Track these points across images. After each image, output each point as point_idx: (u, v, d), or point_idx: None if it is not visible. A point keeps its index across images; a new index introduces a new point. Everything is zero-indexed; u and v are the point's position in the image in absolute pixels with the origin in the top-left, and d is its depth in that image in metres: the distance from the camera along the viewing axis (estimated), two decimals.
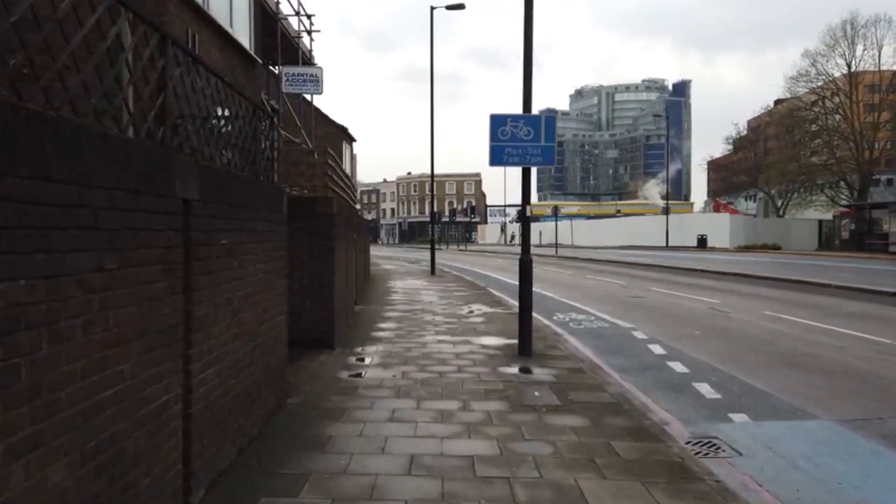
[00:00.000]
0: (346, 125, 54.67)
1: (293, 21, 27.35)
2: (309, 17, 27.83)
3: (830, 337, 17.37)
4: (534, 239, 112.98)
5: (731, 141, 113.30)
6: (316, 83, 24.32)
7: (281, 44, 24.58)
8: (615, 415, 10.12)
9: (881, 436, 9.65)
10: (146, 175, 5.38)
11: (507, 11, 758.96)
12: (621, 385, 12.42)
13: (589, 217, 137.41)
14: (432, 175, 43.21)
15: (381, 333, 17.76)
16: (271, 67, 27.48)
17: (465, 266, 53.34)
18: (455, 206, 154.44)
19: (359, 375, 12.77)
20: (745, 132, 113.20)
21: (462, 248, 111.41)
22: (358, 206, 42.59)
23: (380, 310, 22.95)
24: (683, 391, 12.23)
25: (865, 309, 23.09)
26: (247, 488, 7.14)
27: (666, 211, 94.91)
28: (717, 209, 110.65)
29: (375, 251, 77.16)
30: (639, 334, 18.09)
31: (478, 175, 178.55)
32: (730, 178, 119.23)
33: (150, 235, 5.48)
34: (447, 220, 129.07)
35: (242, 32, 19.51)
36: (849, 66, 79.82)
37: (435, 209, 46.82)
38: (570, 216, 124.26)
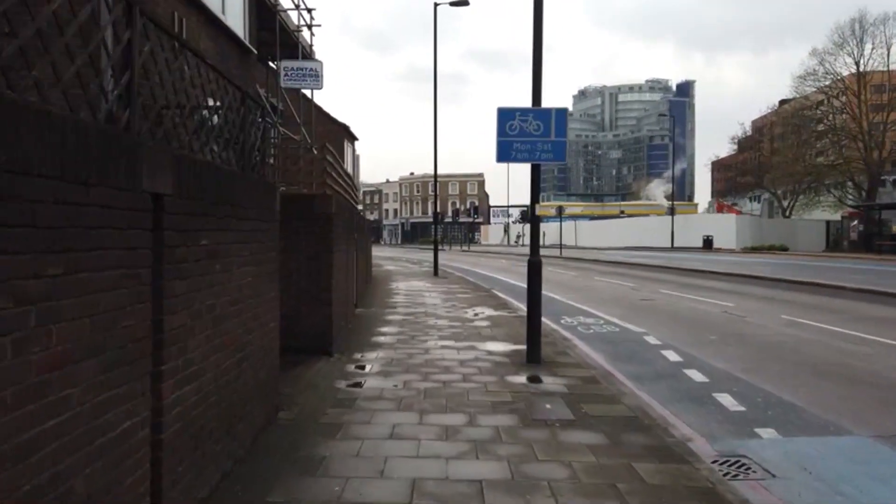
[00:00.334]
0: (347, 123, 53.96)
1: (293, 16, 26.65)
2: (309, 10, 27.04)
3: (856, 343, 16.60)
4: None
5: (736, 141, 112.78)
6: (315, 78, 23.53)
7: (280, 38, 23.80)
8: (634, 431, 9.32)
9: None
10: (102, 164, 4.58)
11: (510, 12, 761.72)
12: (638, 396, 11.63)
13: (592, 218, 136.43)
14: (435, 175, 42.46)
15: (382, 338, 16.98)
16: (271, 63, 26.74)
17: (469, 267, 52.64)
18: (458, 206, 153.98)
19: (358, 385, 11.98)
20: (750, 132, 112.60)
21: (465, 248, 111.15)
22: (360, 207, 42.02)
23: (381, 313, 22.19)
24: (704, 403, 11.43)
25: (888, 313, 22.35)
26: None
27: (671, 211, 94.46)
28: (720, 210, 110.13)
29: (378, 252, 76.82)
30: (651, 339, 17.34)
31: (481, 175, 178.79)
32: (735, 179, 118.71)
33: (108, 235, 4.68)
34: (450, 220, 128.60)
35: (236, 21, 18.63)
36: (857, 64, 79.18)
37: (438, 209, 46.09)
38: (574, 217, 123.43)
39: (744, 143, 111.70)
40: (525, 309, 17.69)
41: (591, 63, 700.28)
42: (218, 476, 7.04)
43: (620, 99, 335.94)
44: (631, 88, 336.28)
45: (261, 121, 9.69)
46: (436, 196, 45.32)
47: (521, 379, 12.53)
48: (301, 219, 14.27)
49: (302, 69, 23.49)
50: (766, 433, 9.72)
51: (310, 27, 27.22)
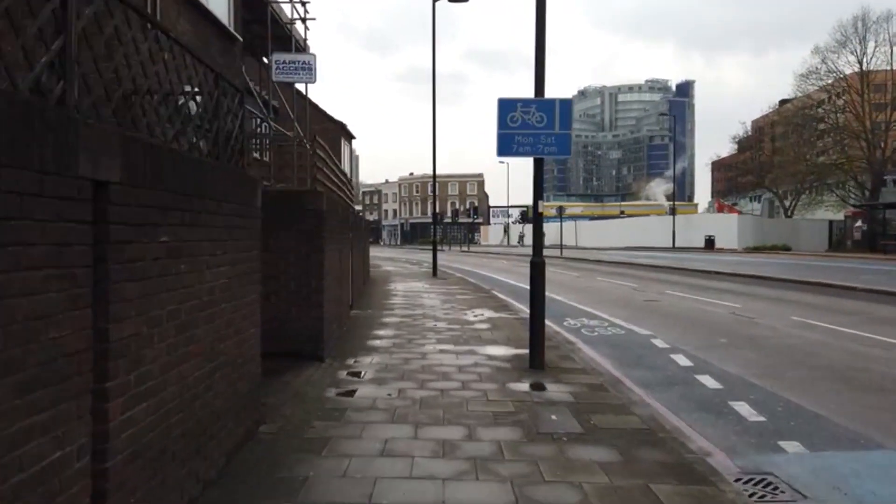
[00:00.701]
0: (344, 121, 53.30)
1: (286, 9, 25.84)
2: (303, 2, 26.22)
3: (874, 347, 15.82)
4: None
5: (737, 140, 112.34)
6: (309, 71, 22.68)
7: (272, 31, 23.03)
8: (649, 446, 8.52)
9: None
10: (18, 142, 3.77)
11: (509, 11, 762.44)
12: (649, 405, 10.82)
13: (593, 218, 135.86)
14: (434, 175, 41.89)
15: (378, 342, 16.17)
16: (265, 60, 25.94)
17: (468, 268, 51.89)
18: (458, 206, 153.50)
19: (349, 394, 11.15)
20: (750, 132, 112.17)
21: (465, 249, 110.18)
22: (359, 207, 41.41)
23: (378, 315, 21.37)
24: (720, 412, 10.65)
25: None
26: None
27: (672, 211, 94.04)
28: (720, 210, 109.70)
29: (377, 252, 76.45)
30: (659, 343, 16.57)
31: (480, 175, 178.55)
32: (736, 179, 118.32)
33: (28, 228, 3.87)
34: (449, 220, 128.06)
35: (220, 5, 17.69)
36: (860, 63, 78.57)
37: (437, 210, 45.42)
38: (574, 217, 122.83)
39: (744, 143, 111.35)
40: (526, 311, 16.98)
41: (591, 64, 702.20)
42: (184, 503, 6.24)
43: (620, 99, 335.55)
44: (630, 88, 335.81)
45: (239, 108, 8.86)
46: (435, 196, 44.62)
47: (524, 386, 11.74)
48: (290, 216, 13.54)
49: (294, 62, 22.62)
50: (791, 447, 8.95)
51: (303, 20, 26.36)
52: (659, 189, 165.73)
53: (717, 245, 78.51)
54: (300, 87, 28.10)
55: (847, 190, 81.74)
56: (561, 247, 78.16)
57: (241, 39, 18.66)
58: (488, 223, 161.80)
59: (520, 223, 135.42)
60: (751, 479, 7.78)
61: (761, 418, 10.23)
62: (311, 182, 14.56)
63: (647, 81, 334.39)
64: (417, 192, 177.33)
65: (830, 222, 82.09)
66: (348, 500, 6.72)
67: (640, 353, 15.37)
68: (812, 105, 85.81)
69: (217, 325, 7.17)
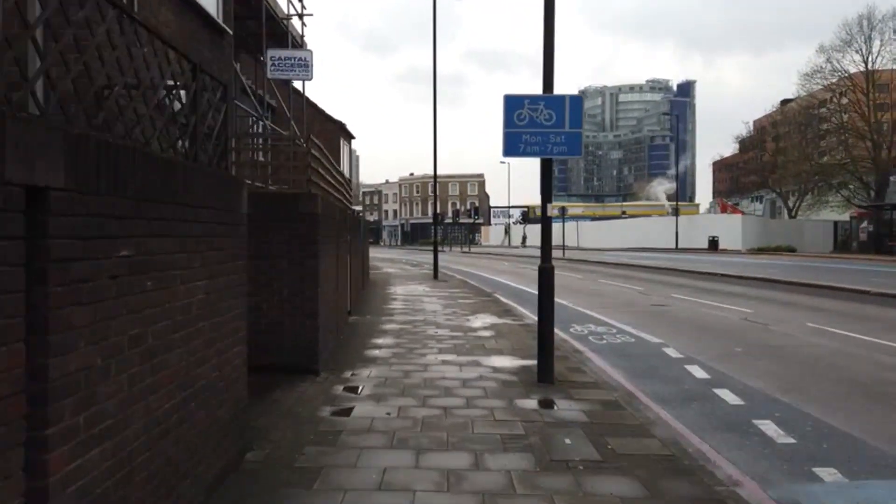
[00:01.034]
0: (343, 121, 52.59)
1: (282, 4, 25.05)
2: None
3: None
4: (537, 240, 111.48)
5: (740, 140, 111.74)
6: (305, 68, 21.96)
7: (267, 27, 22.25)
8: (674, 475, 7.73)
9: None
10: None
11: (510, 12, 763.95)
12: (669, 426, 10.02)
13: (594, 219, 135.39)
14: (435, 175, 41.34)
15: (377, 352, 15.35)
16: (261, 58, 25.15)
17: (470, 269, 51.25)
18: (458, 207, 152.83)
19: (345, 413, 10.33)
20: (752, 133, 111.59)
21: (465, 250, 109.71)
22: (359, 208, 40.61)
23: (377, 321, 20.58)
24: (745, 432, 9.86)
25: None
26: None
27: (675, 212, 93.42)
28: (723, 210, 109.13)
29: (377, 253, 76.03)
30: (671, 352, 15.81)
31: (481, 176, 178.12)
32: (739, 179, 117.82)
33: None
34: (450, 221, 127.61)
35: None
36: (865, 62, 77.91)
37: (438, 210, 44.71)
38: (576, 218, 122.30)
39: (747, 143, 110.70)
40: (531, 316, 16.17)
41: (590, 65, 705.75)
42: None
43: (621, 99, 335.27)
44: (631, 88, 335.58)
45: (221, 103, 8.04)
46: (435, 197, 43.95)
47: (533, 403, 10.94)
48: (283, 220, 12.76)
49: (290, 59, 21.91)
50: (828, 474, 8.15)
51: (300, 16, 25.65)
52: (660, 189, 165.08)
53: (721, 246, 77.88)
54: (297, 85, 27.46)
55: (852, 190, 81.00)
56: (563, 248, 77.40)
57: (230, 32, 17.77)
58: (489, 224, 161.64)
59: (521, 224, 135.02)
60: None
61: (790, 440, 9.46)
62: (306, 183, 13.73)
63: (648, 81, 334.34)
64: (418, 192, 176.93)
65: (835, 223, 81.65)
66: None
67: (653, 364, 14.61)
68: (816, 104, 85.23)
69: (194, 347, 6.38)
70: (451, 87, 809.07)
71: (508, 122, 12.46)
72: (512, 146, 12.51)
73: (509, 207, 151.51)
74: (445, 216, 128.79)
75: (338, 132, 51.52)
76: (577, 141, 12.50)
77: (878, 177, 75.64)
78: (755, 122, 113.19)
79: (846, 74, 79.31)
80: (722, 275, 39.14)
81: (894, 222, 64.67)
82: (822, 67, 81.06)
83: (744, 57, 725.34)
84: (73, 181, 4.20)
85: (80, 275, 4.32)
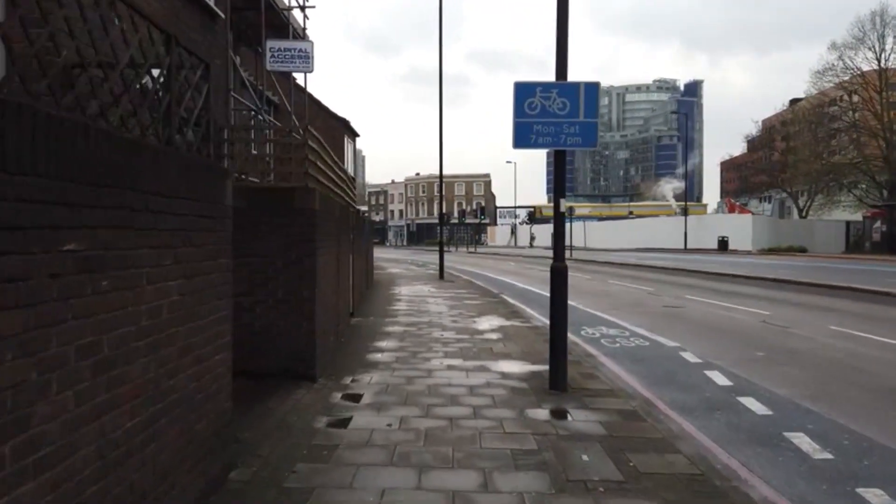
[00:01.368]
0: (347, 118, 51.88)
1: None
2: None
3: None
4: (545, 240, 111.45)
5: (749, 139, 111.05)
6: (306, 59, 21.20)
7: (267, 18, 21.48)
8: (706, 498, 6.96)
9: None
10: None
11: (513, 13, 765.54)
12: (694, 439, 9.26)
13: (601, 219, 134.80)
14: (441, 175, 40.80)
15: (379, 356, 14.59)
16: (262, 51, 24.41)
17: (476, 270, 50.59)
18: (464, 207, 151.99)
19: (342, 424, 9.53)
20: (760, 132, 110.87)
21: (472, 250, 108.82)
22: (364, 208, 39.96)
23: (380, 323, 19.83)
24: (777, 447, 9.09)
25: None
26: None
27: (684, 212, 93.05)
28: (731, 210, 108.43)
29: (382, 253, 75.69)
30: (689, 356, 15.04)
31: (487, 176, 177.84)
32: (748, 179, 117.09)
33: None
34: (456, 221, 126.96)
35: None
36: (878, 59, 77.13)
37: (444, 210, 44.07)
38: (583, 218, 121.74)
39: (756, 142, 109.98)
40: (539, 318, 15.43)
41: (594, 65, 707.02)
42: None
43: (628, 99, 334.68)
44: (638, 88, 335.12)
45: (203, 83, 7.26)
46: (441, 197, 43.41)
47: (546, 414, 10.15)
48: (278, 216, 11.99)
49: (290, 50, 21.14)
50: (874, 497, 7.39)
51: (302, 8, 24.86)
52: (668, 187, 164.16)
53: (731, 246, 77.15)
54: (300, 81, 26.73)
55: (864, 190, 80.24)
56: (571, 248, 76.71)
57: (223, 16, 16.89)
58: (495, 224, 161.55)
59: (527, 224, 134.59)
60: None
61: (827, 455, 8.69)
62: (303, 177, 12.96)
63: (654, 81, 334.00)
64: (424, 192, 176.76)
65: (847, 223, 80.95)
66: None
67: (671, 370, 13.85)
68: (828, 103, 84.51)
69: (165, 356, 5.62)
70: (454, 88, 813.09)
71: (519, 111, 11.64)
72: (522, 137, 11.69)
73: (515, 207, 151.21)
74: (451, 216, 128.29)
75: (342, 129, 50.86)
76: (592, 131, 11.68)
77: (890, 176, 74.87)
78: (764, 121, 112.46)
79: (859, 72, 78.55)
80: (734, 275, 38.35)
81: None
82: (833, 65, 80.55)
83: (747, 56, 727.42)
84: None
85: (8, 272, 3.55)
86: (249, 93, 21.82)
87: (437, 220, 48.86)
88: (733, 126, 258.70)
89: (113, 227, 4.66)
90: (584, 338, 17.55)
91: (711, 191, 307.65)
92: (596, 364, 14.05)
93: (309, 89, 26.54)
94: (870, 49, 77.67)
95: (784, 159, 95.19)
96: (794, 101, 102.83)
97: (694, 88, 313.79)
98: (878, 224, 70.14)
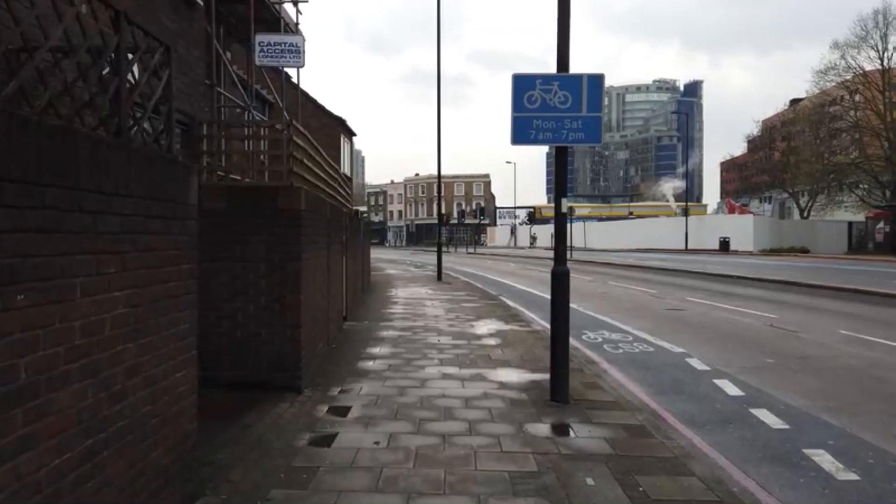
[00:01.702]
0: (344, 117, 51.23)
1: None
2: None
3: None
4: (544, 241, 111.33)
5: (750, 138, 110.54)
6: (296, 54, 20.44)
7: (257, 12, 20.72)
8: None
9: None
10: None
11: (513, 14, 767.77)
12: (707, 457, 8.55)
13: (601, 219, 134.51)
14: (439, 176, 40.36)
15: (371, 364, 13.86)
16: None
17: (475, 271, 50.03)
18: (464, 207, 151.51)
19: (326, 442, 8.75)
20: (761, 132, 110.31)
21: (471, 251, 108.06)
22: (364, 208, 39.35)
23: (374, 328, 19.11)
24: (797, 466, 8.38)
25: None
26: None
27: (685, 212, 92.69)
28: (731, 211, 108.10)
29: (381, 254, 75.84)
30: (695, 363, 14.39)
31: (487, 176, 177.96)
32: (749, 179, 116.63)
33: None
34: (455, 222, 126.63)
35: None
36: (881, 59, 76.49)
37: (443, 211, 43.55)
38: (583, 218, 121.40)
39: (757, 143, 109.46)
40: (539, 321, 14.83)
41: (594, 65, 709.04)
42: None
43: (628, 99, 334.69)
44: (638, 89, 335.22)
45: (163, 69, 6.51)
46: (439, 197, 42.98)
47: (546, 429, 9.43)
48: (260, 217, 11.30)
49: (280, 44, 20.36)
50: None
51: (295, 2, 24.11)
52: (668, 186, 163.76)
53: (732, 247, 76.56)
54: (292, 74, 26.11)
55: (866, 190, 79.65)
56: (571, 248, 76.10)
57: (200, 4, 16.03)
58: (495, 224, 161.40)
59: (527, 224, 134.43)
60: None
61: (853, 475, 7.99)
62: (287, 175, 12.25)
63: (654, 81, 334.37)
64: (423, 192, 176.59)
65: (850, 223, 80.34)
66: None
67: (677, 378, 13.16)
68: (830, 102, 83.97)
69: (108, 379, 4.90)
70: (455, 88, 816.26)
71: (517, 105, 10.91)
72: (521, 133, 10.95)
73: (515, 208, 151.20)
74: (451, 217, 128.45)
75: (338, 128, 50.25)
76: (595, 127, 10.93)
77: (893, 176, 74.30)
78: (764, 121, 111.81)
79: (861, 71, 77.89)
80: (738, 277, 37.67)
81: None
82: (836, 64, 79.95)
83: (748, 56, 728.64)
84: None
85: None
86: (239, 90, 21.10)
87: (436, 221, 48.36)
88: (733, 126, 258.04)
89: (30, 231, 3.93)
90: (586, 343, 16.97)
91: (711, 191, 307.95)
92: (598, 372, 13.41)
93: (307, 89, 26.07)
94: (872, 48, 77.08)
95: (785, 159, 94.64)
96: (794, 101, 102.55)
97: (694, 89, 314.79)
98: (881, 224, 69.52)
